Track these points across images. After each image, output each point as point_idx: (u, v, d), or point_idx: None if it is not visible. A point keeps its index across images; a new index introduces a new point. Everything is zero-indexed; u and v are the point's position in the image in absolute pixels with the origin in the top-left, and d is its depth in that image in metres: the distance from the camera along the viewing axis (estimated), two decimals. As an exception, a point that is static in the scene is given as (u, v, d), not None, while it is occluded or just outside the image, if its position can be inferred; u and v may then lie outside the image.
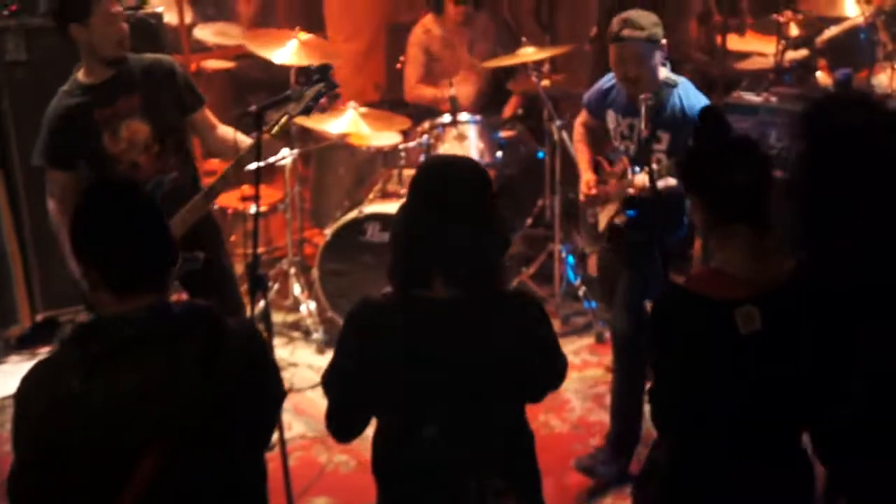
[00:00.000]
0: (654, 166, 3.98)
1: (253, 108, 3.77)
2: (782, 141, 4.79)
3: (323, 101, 6.19)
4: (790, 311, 2.59)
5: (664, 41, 4.15)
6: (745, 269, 2.63)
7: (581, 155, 4.64)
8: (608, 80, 4.49)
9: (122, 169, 4.09)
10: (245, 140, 4.09)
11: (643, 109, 3.97)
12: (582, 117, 4.70)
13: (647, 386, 4.54)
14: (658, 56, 4.15)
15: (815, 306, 2.57)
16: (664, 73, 4.23)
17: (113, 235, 2.34)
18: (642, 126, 3.95)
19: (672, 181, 4.07)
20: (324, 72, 3.93)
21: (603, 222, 4.52)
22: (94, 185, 2.48)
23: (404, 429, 2.64)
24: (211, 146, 4.37)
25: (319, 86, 3.91)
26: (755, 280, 2.61)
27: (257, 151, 3.76)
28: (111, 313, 2.33)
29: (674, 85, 4.20)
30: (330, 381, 2.70)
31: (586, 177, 4.55)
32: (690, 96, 4.20)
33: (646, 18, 4.11)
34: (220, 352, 2.32)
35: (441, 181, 2.62)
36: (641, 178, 4.13)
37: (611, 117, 4.44)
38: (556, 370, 2.80)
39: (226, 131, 4.28)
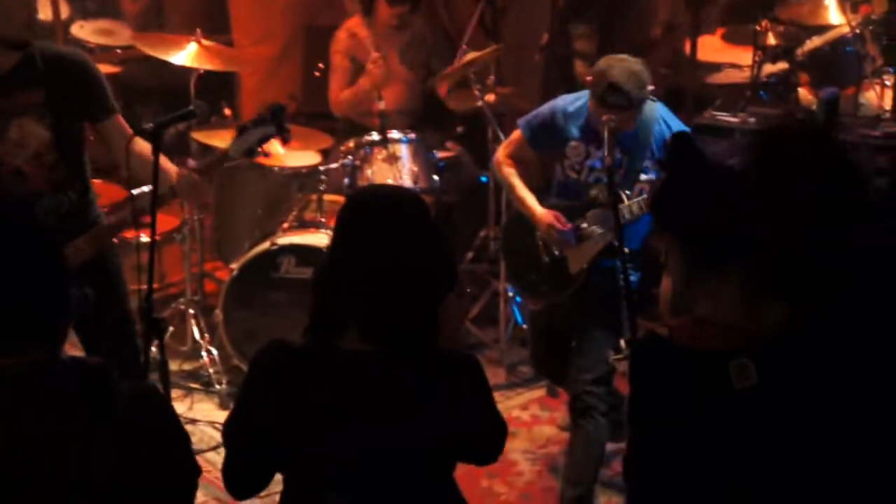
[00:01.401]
0: (627, 203, 4.21)
1: (149, 125, 3.72)
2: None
3: (228, 112, 6.18)
4: (789, 363, 2.55)
5: (651, 87, 4.27)
6: (736, 316, 2.57)
7: (521, 190, 4.64)
8: (569, 102, 4.51)
9: (2, 174, 3.94)
10: (170, 167, 4.04)
11: (605, 134, 4.00)
12: (509, 149, 4.71)
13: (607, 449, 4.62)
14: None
15: (818, 355, 2.55)
16: None
17: None
18: (605, 152, 3.97)
19: None
20: (276, 113, 3.93)
21: (579, 264, 4.53)
22: None
23: (310, 495, 2.62)
24: (123, 162, 4.25)
25: (269, 128, 3.91)
26: (747, 329, 2.57)
27: (154, 175, 3.69)
28: None
29: (653, 110, 4.34)
30: (230, 430, 2.69)
31: (546, 213, 4.53)
32: (674, 121, 4.38)
33: (635, 81, 4.19)
34: (101, 426, 2.23)
35: (364, 214, 2.60)
36: (635, 204, 4.23)
37: (575, 148, 4.48)
38: (490, 441, 2.76)
39: (143, 148, 4.09)
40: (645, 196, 4.24)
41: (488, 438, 2.74)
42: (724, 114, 5.21)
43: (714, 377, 2.52)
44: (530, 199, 4.60)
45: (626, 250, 4.05)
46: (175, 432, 2.40)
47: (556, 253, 4.60)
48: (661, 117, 4.36)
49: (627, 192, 4.33)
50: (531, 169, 4.86)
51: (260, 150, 3.96)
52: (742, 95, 5.53)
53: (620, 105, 4.19)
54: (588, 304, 4.49)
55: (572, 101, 4.51)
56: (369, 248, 2.55)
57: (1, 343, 2.24)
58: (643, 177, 4.34)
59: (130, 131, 4.15)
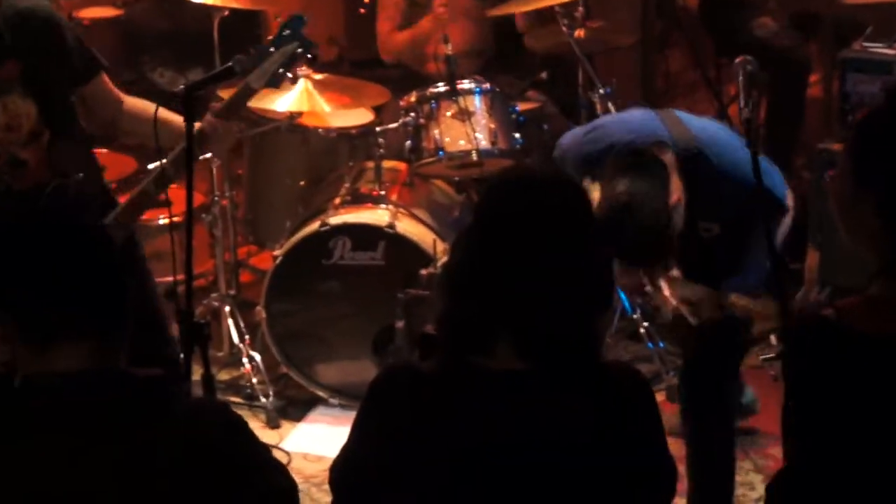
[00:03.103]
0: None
1: (180, 87, 3.75)
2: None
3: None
4: None
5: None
6: None
7: None
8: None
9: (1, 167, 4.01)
10: (176, 120, 4.00)
11: (741, 79, 3.95)
12: None
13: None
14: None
15: None
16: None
17: (41, 274, 2.42)
18: (741, 103, 3.93)
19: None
20: (296, 26, 3.96)
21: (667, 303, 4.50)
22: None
23: None
24: (117, 128, 4.31)
25: (292, 45, 3.94)
26: None
27: (188, 145, 3.71)
28: (28, 374, 2.42)
29: (695, 153, 4.24)
30: (341, 474, 2.71)
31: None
32: (721, 152, 4.26)
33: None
34: (152, 447, 2.36)
35: (516, 206, 2.60)
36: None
37: None
38: (662, 482, 2.72)
39: (140, 105, 4.22)
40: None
41: (660, 479, 2.70)
42: (878, 44, 5.17)
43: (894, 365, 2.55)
44: None
45: None
46: (250, 458, 2.50)
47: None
48: (706, 153, 4.27)
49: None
50: None
51: (288, 74, 3.98)
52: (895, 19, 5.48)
53: None
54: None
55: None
56: (529, 243, 2.56)
57: (52, 351, 2.41)
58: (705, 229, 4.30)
59: (118, 92, 4.22)
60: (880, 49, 5.10)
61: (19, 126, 3.99)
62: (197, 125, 3.91)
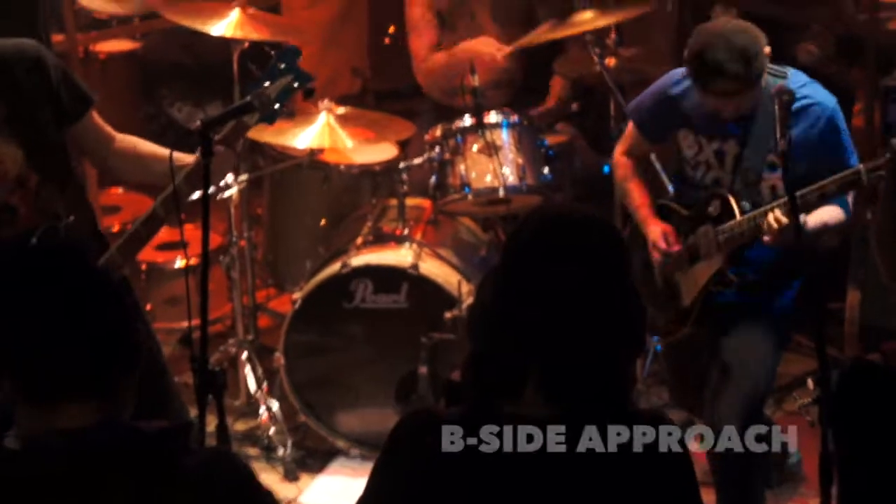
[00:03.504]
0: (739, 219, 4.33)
1: (197, 123, 3.75)
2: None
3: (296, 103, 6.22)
4: None
5: (767, 48, 4.29)
6: None
7: (636, 195, 4.74)
8: (675, 81, 4.57)
9: None
10: (161, 154, 4.05)
11: (776, 110, 3.97)
12: (625, 144, 4.81)
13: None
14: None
15: None
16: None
17: (38, 326, 2.37)
18: (778, 135, 3.94)
19: (827, 215, 4.26)
20: (290, 59, 3.94)
21: (691, 293, 4.57)
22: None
23: None
24: (109, 168, 4.34)
25: (286, 79, 3.93)
26: None
27: (205, 182, 3.73)
28: (27, 434, 2.39)
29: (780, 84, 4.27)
30: None
31: (656, 227, 4.61)
32: (809, 94, 4.33)
33: (741, 56, 4.20)
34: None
35: (545, 246, 2.61)
36: (775, 217, 4.19)
37: (686, 139, 4.56)
38: None
39: (130, 143, 4.23)
40: (780, 203, 4.20)
41: None
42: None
43: None
44: (644, 209, 4.68)
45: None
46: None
47: (672, 277, 4.66)
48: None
49: (745, 202, 4.37)
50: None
51: (284, 109, 3.96)
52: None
53: (728, 91, 4.25)
54: (721, 330, 4.51)
55: (679, 80, 4.54)
56: (558, 285, 2.56)
57: (58, 409, 2.40)
58: (767, 176, 4.35)
59: (109, 129, 4.21)
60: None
61: (5, 171, 3.98)
62: (189, 159, 3.93)
